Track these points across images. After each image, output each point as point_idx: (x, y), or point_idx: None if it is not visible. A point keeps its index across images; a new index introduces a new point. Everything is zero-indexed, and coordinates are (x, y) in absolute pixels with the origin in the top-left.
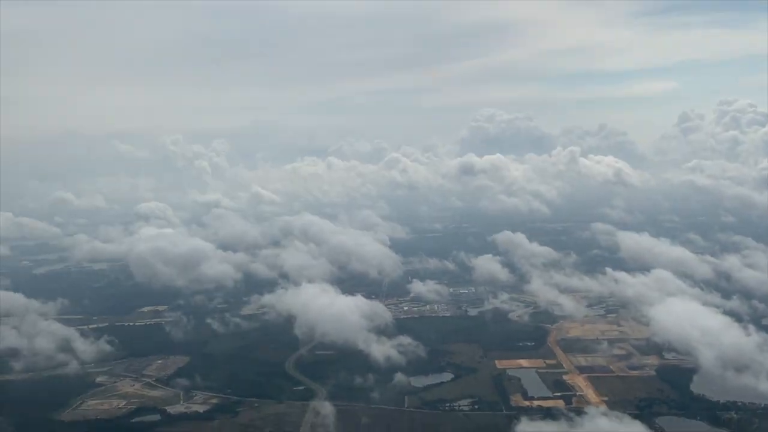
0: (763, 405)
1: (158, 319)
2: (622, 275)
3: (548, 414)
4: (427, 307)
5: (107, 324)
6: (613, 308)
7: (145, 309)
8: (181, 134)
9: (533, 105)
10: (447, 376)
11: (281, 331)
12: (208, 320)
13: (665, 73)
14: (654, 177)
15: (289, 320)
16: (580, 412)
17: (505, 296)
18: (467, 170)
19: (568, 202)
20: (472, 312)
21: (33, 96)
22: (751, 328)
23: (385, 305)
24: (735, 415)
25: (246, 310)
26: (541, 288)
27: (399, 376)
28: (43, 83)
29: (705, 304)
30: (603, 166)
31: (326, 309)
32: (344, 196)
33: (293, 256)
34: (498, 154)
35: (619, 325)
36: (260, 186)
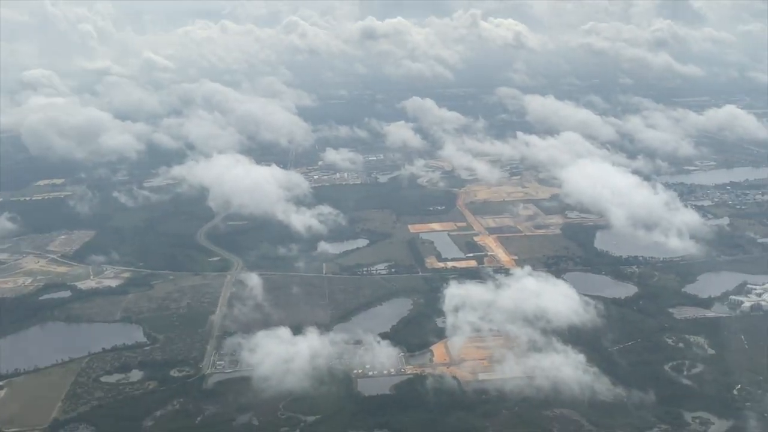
0: (662, 258)
1: (58, 193)
2: (532, 138)
3: (462, 274)
4: (338, 175)
5: (2, 199)
6: (518, 171)
7: (42, 183)
8: None
9: None
10: (362, 242)
11: (194, 204)
12: (114, 193)
13: None
14: (552, 40)
15: (202, 192)
16: (493, 270)
17: (419, 162)
18: (369, 34)
19: (471, 66)
20: (383, 179)
21: None
22: (658, 186)
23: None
24: (637, 269)
25: (154, 183)
26: (454, 153)
27: (315, 244)
28: None
29: (612, 164)
30: (503, 29)
31: (240, 179)
32: (242, 62)
33: (198, 126)
34: (399, 18)
35: (524, 187)
36: (152, 52)
